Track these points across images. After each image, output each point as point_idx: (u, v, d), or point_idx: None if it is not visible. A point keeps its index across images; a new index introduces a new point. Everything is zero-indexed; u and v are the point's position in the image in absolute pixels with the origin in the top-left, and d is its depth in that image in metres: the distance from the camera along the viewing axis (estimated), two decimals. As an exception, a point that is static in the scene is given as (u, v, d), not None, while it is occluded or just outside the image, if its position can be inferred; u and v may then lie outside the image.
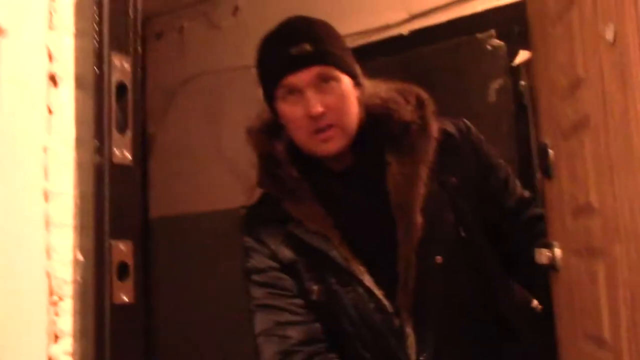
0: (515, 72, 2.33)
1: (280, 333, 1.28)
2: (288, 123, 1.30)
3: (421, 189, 1.29)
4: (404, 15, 2.63)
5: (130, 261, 0.95)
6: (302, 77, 1.24)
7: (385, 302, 1.27)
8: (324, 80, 1.25)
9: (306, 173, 1.33)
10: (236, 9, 3.13)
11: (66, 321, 0.92)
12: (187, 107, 3.27)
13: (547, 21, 1.14)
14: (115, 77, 0.97)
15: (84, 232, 0.93)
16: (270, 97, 1.32)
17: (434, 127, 1.34)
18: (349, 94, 1.29)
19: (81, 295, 0.92)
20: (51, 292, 0.92)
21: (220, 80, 3.14)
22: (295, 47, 1.24)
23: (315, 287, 1.29)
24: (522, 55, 2.31)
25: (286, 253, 1.32)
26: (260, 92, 1.36)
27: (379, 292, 1.27)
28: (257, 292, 1.33)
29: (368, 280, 1.27)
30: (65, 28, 0.96)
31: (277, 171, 1.33)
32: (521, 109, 2.31)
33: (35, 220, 0.92)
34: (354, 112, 1.30)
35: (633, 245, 0.77)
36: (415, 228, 1.27)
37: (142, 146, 1.01)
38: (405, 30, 2.61)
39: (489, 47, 2.39)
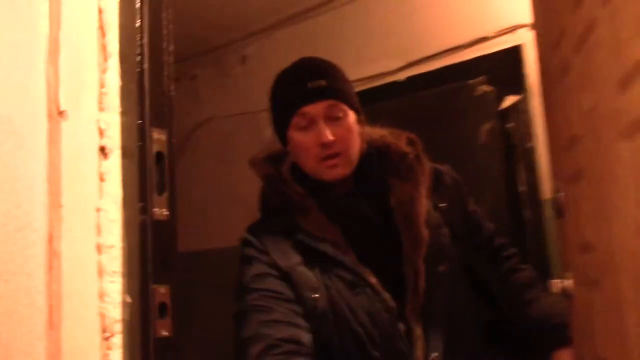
0: (503, 115, 2.52)
1: (266, 331, 1.30)
2: (298, 150, 1.45)
3: (424, 206, 1.42)
4: (400, 62, 2.84)
5: (168, 301, 1.13)
6: (317, 108, 1.40)
7: (392, 303, 1.34)
8: (334, 113, 1.41)
9: (310, 192, 1.45)
10: (244, 59, 3.36)
11: (116, 354, 1.10)
12: (200, 148, 3.48)
13: (551, 81, 1.25)
14: (155, 148, 1.16)
15: (130, 279, 1.11)
16: (284, 126, 1.46)
17: (427, 160, 1.50)
18: (354, 127, 1.44)
19: (129, 332, 1.10)
20: (104, 330, 1.11)
21: (231, 124, 3.35)
22: (312, 82, 1.41)
23: (316, 296, 1.34)
24: (509, 100, 2.51)
25: (292, 259, 1.38)
26: (267, 133, 1.54)
27: (386, 294, 1.34)
28: (251, 295, 1.36)
29: (375, 282, 1.34)
30: (112, 108, 1.16)
31: (284, 189, 1.46)
32: (510, 149, 2.50)
33: (90, 269, 1.11)
34: (357, 143, 1.45)
35: (620, 278, 0.88)
36: (422, 239, 1.38)
37: (177, 205, 1.20)
38: (402, 76, 2.82)
39: (479, 93, 2.58)
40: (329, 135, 1.38)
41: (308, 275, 1.36)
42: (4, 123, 1.08)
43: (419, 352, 1.33)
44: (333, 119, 1.41)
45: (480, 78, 2.59)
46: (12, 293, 1.04)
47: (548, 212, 2.33)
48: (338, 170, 1.42)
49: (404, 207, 1.41)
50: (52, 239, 1.09)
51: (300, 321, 1.33)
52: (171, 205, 1.16)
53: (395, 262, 1.37)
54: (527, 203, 2.42)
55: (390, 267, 1.37)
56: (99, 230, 1.12)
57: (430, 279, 1.36)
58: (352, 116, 1.45)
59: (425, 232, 1.38)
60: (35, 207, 1.09)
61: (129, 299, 1.10)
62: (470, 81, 2.60)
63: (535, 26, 1.38)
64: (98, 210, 1.13)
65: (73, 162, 1.12)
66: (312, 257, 1.37)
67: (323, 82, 1.41)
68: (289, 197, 1.44)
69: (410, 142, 1.51)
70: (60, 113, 1.12)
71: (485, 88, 2.57)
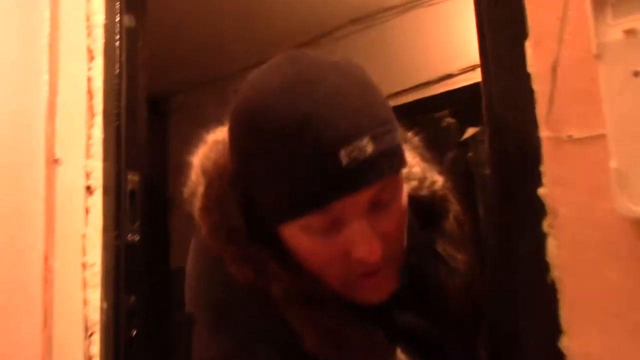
0: (464, 146, 2.80)
1: None
2: (306, 257, 0.77)
3: None
4: (377, 96, 3.14)
5: (137, 308, 1.44)
6: (358, 200, 0.71)
7: None
8: (384, 197, 0.73)
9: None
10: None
11: (95, 348, 1.41)
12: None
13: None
14: (129, 187, 1.48)
15: (107, 290, 1.42)
16: (279, 218, 0.75)
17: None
18: (406, 207, 0.79)
19: (105, 331, 1.41)
20: (86, 329, 1.42)
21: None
22: (349, 148, 0.67)
23: None
24: (470, 132, 2.78)
25: None
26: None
27: None
28: None
29: None
30: (97, 156, 1.48)
31: (255, 254, 0.80)
32: (469, 175, 2.77)
33: (77, 282, 1.43)
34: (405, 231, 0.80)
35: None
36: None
37: (147, 231, 1.51)
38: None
39: (444, 124, 2.86)
40: (378, 251, 0.72)
41: None
42: (12, 169, 1.41)
43: None
44: (379, 206, 0.74)
45: (445, 111, 2.86)
46: (15, 300, 1.37)
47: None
48: (384, 291, 0.79)
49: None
50: (47, 259, 1.42)
51: None
52: (141, 233, 1.47)
53: None
54: (484, 226, 2.68)
55: None
56: (84, 252, 1.44)
57: None
58: (403, 189, 0.78)
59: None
60: (35, 233, 1.42)
61: (105, 305, 1.41)
62: (437, 114, 2.88)
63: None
64: (84, 236, 1.45)
65: (65, 198, 1.45)
66: None
67: (369, 147, 0.68)
68: (267, 272, 0.80)
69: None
70: (56, 161, 1.45)
71: (449, 120, 2.85)
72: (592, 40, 0.68)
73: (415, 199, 0.85)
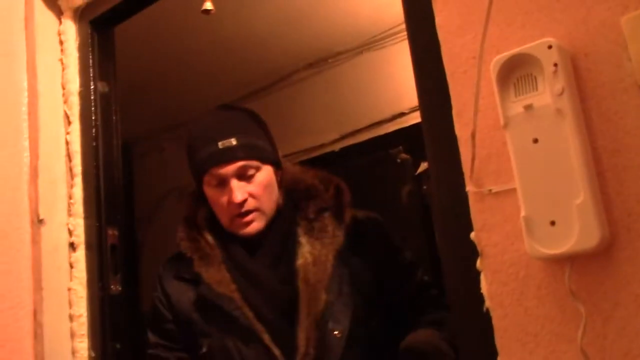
0: (419, 179, 2.98)
1: None
2: (213, 205, 1.44)
3: (328, 270, 1.36)
4: (335, 135, 3.32)
5: (123, 355, 1.55)
6: (227, 169, 1.37)
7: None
8: (246, 172, 1.38)
9: (220, 239, 1.45)
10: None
11: (85, 394, 1.52)
12: (169, 215, 3.90)
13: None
14: (110, 242, 1.59)
15: (94, 338, 1.53)
16: (198, 181, 1.44)
17: (348, 214, 1.43)
18: (270, 181, 1.42)
19: (94, 377, 1.52)
20: (75, 377, 1.52)
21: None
22: (223, 141, 1.38)
23: (205, 341, 1.38)
24: (423, 166, 2.97)
25: (189, 309, 1.42)
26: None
27: (277, 351, 1.33)
28: (151, 338, 1.47)
29: (267, 339, 1.33)
30: (78, 214, 1.60)
31: (197, 235, 1.46)
32: (426, 208, 2.95)
33: (65, 333, 1.53)
34: (273, 197, 1.44)
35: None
36: (318, 304, 1.33)
37: (129, 280, 1.62)
38: (336, 147, 3.29)
39: (398, 160, 3.05)
40: (239, 196, 1.37)
41: (202, 322, 1.40)
42: (-1, 231, 1.51)
43: None
44: (246, 177, 1.39)
45: (399, 147, 3.05)
46: (7, 355, 1.46)
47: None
48: (252, 227, 1.41)
49: (307, 270, 1.36)
50: (35, 313, 1.52)
51: None
52: (123, 283, 1.59)
53: (291, 324, 1.34)
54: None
55: (286, 326, 1.35)
56: (70, 305, 1.55)
57: (321, 344, 1.33)
58: (266, 171, 1.42)
59: (322, 298, 1.34)
60: (23, 290, 1.52)
61: (93, 354, 1.52)
62: (391, 150, 3.07)
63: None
64: (69, 290, 1.56)
65: (50, 255, 1.56)
66: (211, 308, 1.39)
67: (233, 141, 1.38)
68: (199, 244, 1.45)
69: (338, 192, 1.46)
70: (40, 221, 1.56)
71: (404, 156, 3.03)
72: (500, 114, 0.84)
73: (294, 192, 1.48)
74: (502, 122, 0.84)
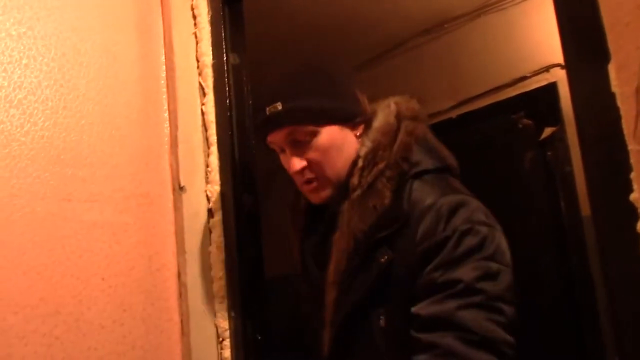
0: (543, 145, 2.87)
1: None
2: (287, 171, 1.31)
3: (349, 243, 1.21)
4: (452, 102, 3.24)
5: (260, 315, 1.62)
6: (277, 137, 1.28)
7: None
8: (299, 137, 1.25)
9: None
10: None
11: (227, 352, 1.60)
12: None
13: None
14: (245, 208, 1.66)
15: (233, 300, 1.61)
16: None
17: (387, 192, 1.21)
18: (332, 143, 1.26)
19: (234, 336, 1.59)
20: (218, 335, 1.61)
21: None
22: (270, 106, 1.25)
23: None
24: (547, 131, 2.85)
25: None
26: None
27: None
28: None
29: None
30: (215, 182, 1.67)
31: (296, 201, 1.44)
32: (550, 173, 2.84)
33: (207, 294, 1.62)
34: (338, 161, 1.27)
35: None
36: (339, 272, 1.24)
37: (260, 245, 1.69)
38: (453, 114, 3.22)
39: (520, 126, 2.94)
40: (294, 165, 1.26)
41: None
42: (145, 197, 1.61)
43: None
44: (302, 143, 1.26)
45: (521, 113, 2.94)
46: (156, 313, 1.57)
47: (587, 228, 2.65)
48: (319, 194, 1.29)
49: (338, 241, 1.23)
50: (180, 275, 1.61)
51: None
52: (256, 247, 1.65)
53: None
54: (567, 220, 2.75)
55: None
56: (210, 267, 1.63)
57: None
58: (327, 133, 1.25)
59: (342, 265, 1.22)
60: (168, 253, 1.62)
61: (233, 314, 1.60)
62: (513, 116, 2.96)
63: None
64: (209, 253, 1.64)
65: (191, 221, 1.64)
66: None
67: (279, 106, 1.24)
68: (293, 209, 1.47)
69: (404, 157, 1.25)
70: (181, 188, 1.65)
71: (526, 121, 2.92)
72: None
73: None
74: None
